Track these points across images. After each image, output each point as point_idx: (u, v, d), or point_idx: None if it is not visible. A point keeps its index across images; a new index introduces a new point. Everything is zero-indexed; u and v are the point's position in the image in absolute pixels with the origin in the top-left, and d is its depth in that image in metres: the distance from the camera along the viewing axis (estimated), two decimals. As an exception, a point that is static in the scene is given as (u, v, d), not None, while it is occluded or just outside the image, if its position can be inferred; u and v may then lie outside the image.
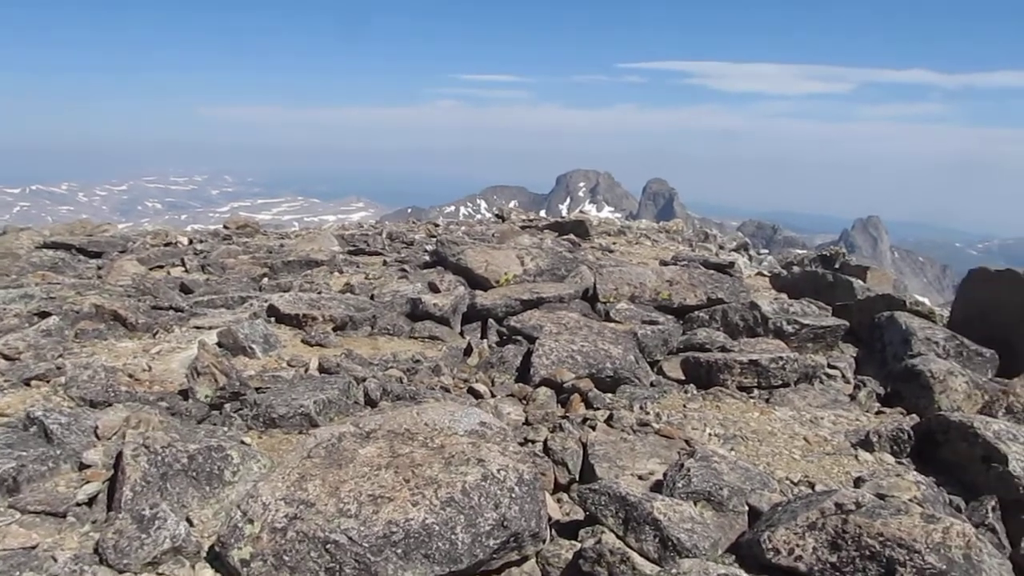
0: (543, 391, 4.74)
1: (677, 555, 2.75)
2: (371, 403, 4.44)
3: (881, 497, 2.96)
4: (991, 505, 3.43)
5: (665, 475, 3.43)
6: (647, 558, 2.79)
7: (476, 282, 7.59)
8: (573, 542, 2.99)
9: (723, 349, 5.70)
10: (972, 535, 2.55)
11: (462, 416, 3.39)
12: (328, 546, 2.59)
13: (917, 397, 4.87)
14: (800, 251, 15.81)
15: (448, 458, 2.97)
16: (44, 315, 5.96)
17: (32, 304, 6.40)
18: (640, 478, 3.61)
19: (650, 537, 2.83)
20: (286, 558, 2.59)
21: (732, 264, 8.95)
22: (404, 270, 8.55)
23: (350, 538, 2.59)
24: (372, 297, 7.10)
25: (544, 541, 2.93)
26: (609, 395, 4.72)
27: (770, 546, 2.72)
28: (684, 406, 4.61)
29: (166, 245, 10.38)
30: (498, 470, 2.88)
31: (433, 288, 7.30)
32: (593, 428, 4.15)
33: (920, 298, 7.86)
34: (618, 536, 2.89)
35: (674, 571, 2.59)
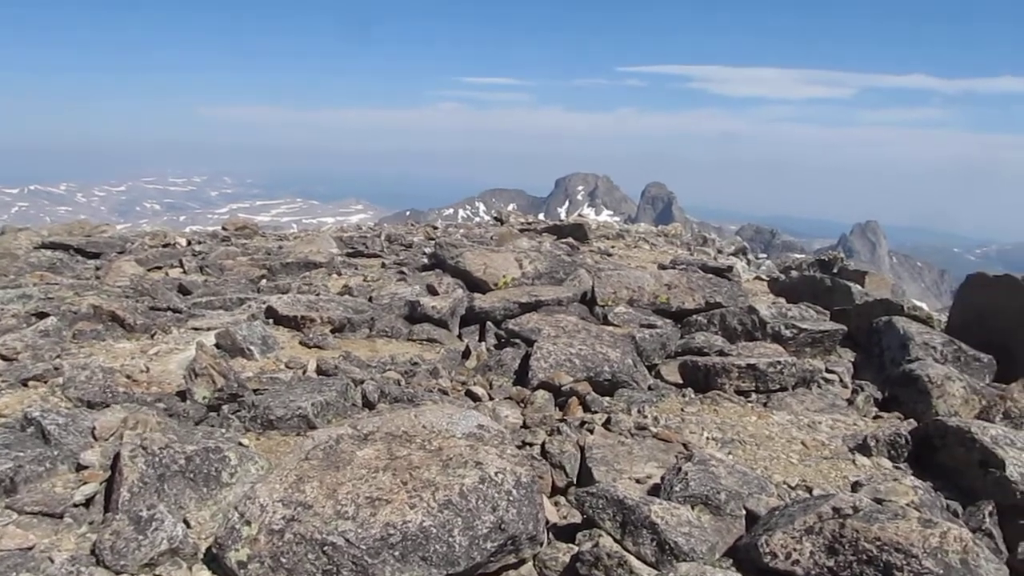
0: (541, 394, 4.74)
1: (674, 559, 2.76)
2: (369, 405, 4.43)
3: (878, 501, 2.96)
4: (988, 510, 3.43)
5: (663, 479, 3.43)
6: (644, 562, 2.79)
7: (474, 285, 7.59)
8: (570, 545, 2.98)
9: (721, 353, 5.71)
10: (969, 540, 2.55)
11: (460, 419, 3.39)
12: (325, 548, 2.59)
13: (915, 402, 4.87)
14: (798, 255, 15.84)
15: (446, 461, 2.96)
16: (42, 315, 5.95)
17: (30, 304, 6.39)
18: (638, 482, 3.61)
19: (647, 541, 2.83)
20: (283, 560, 2.59)
21: (730, 268, 8.96)
22: (402, 272, 8.56)
23: (347, 540, 2.59)
24: (370, 299, 7.09)
25: (541, 544, 2.92)
26: (607, 398, 4.72)
27: (767, 550, 2.73)
28: (682, 410, 4.60)
29: (164, 246, 10.38)
30: (496, 473, 2.87)
31: (431, 291, 7.30)
32: (591, 431, 4.14)
33: (918, 303, 7.88)
34: (615, 540, 2.89)
35: (671, 575, 2.59)
